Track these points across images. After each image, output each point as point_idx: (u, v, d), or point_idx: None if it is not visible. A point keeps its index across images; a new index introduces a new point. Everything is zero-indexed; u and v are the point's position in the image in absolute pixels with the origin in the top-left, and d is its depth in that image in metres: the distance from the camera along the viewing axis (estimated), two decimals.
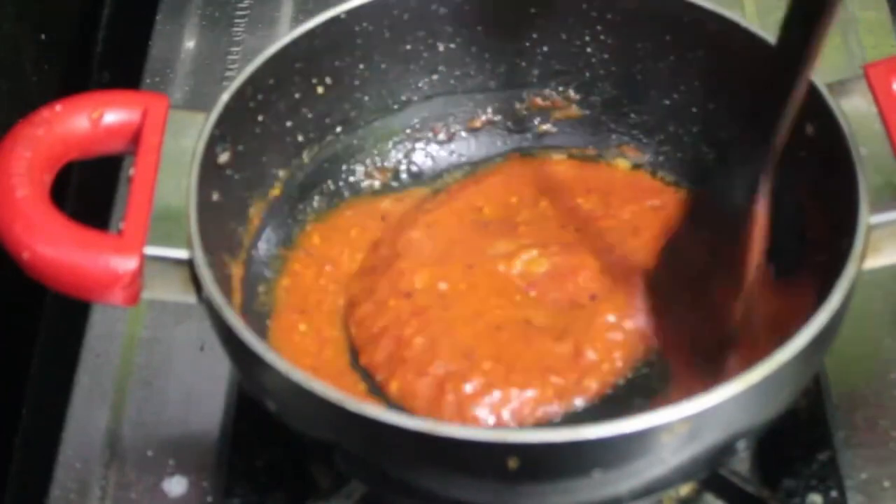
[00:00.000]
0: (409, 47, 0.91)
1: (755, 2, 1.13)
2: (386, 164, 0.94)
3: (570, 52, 0.92)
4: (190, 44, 1.14)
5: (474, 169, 0.94)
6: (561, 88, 0.93)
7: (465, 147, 0.95)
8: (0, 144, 0.76)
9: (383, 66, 0.91)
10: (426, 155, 0.95)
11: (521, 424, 0.79)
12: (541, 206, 0.91)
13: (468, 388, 0.80)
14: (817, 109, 0.79)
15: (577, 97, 0.93)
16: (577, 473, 0.69)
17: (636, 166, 0.93)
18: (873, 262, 0.75)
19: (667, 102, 0.91)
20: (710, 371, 0.80)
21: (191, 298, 0.76)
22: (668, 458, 0.70)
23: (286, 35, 0.85)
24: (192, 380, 0.91)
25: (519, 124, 0.95)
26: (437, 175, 0.95)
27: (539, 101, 0.94)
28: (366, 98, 0.91)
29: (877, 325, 0.91)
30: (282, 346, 0.83)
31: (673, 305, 0.83)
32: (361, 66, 0.90)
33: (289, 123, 0.87)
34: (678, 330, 0.83)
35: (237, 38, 1.14)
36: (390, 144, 0.94)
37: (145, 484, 0.85)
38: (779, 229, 0.84)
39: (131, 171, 0.77)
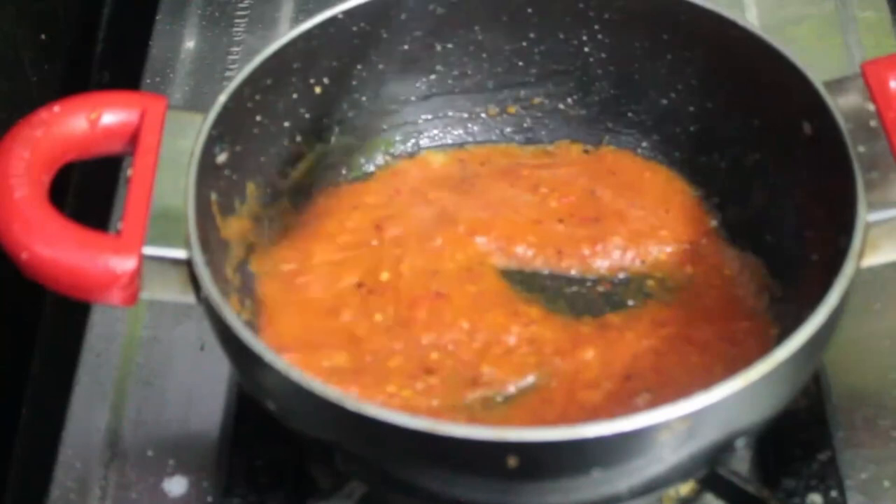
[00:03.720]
0: (406, 47, 0.91)
1: (755, 1, 1.13)
2: (383, 164, 0.94)
3: (567, 51, 0.92)
4: (190, 44, 1.14)
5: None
6: (559, 88, 0.93)
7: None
8: None
9: (381, 66, 0.91)
10: (424, 155, 0.95)
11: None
12: None
13: None
14: (815, 108, 0.79)
15: (575, 97, 0.94)
16: (577, 472, 0.69)
17: None
18: (872, 259, 0.75)
19: (664, 102, 0.91)
20: None
21: (189, 298, 0.76)
22: (667, 456, 0.70)
23: (285, 35, 0.86)
24: (192, 380, 0.91)
25: (517, 124, 0.95)
26: None
27: (537, 100, 0.94)
28: (363, 98, 0.91)
29: (877, 325, 0.90)
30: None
31: None
32: (359, 67, 0.90)
33: (287, 124, 0.87)
34: None
35: (237, 38, 1.14)
36: (388, 145, 0.94)
37: (145, 484, 0.85)
38: (777, 228, 0.85)
39: (129, 172, 0.77)
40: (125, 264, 0.73)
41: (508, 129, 0.95)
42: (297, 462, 0.85)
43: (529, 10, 0.90)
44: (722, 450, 0.73)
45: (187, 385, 0.90)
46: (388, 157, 0.94)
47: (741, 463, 0.84)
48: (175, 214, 0.75)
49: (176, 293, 0.76)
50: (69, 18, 1.20)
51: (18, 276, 0.74)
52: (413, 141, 0.94)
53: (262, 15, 1.16)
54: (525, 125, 0.95)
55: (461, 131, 0.95)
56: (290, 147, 0.88)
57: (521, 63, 0.93)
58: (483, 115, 0.95)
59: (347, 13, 0.87)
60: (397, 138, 0.94)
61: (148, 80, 1.11)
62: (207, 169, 0.79)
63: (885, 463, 0.84)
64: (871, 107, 0.77)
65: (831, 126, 0.77)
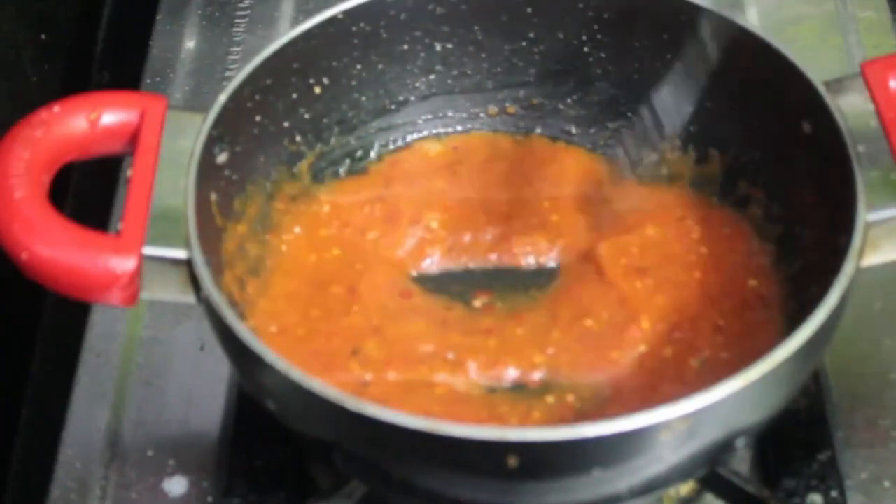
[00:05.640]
0: (406, 47, 0.91)
1: (755, 1, 1.13)
2: (383, 164, 0.94)
3: (567, 51, 0.92)
4: (190, 44, 1.14)
5: None
6: (559, 88, 0.93)
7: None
8: None
9: (380, 66, 0.91)
10: (423, 155, 0.95)
11: None
12: None
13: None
14: (815, 107, 0.79)
15: (575, 97, 0.94)
16: (577, 471, 0.69)
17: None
18: (871, 259, 0.75)
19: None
20: None
21: (189, 298, 0.76)
22: (667, 456, 0.70)
23: (285, 35, 0.86)
24: (192, 380, 0.91)
25: (516, 124, 0.95)
26: None
27: (536, 100, 0.94)
28: (363, 98, 0.91)
29: (877, 325, 0.90)
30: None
31: None
32: (359, 67, 0.90)
33: (286, 124, 0.87)
34: None
35: (237, 38, 1.14)
36: (388, 145, 0.94)
37: (145, 484, 0.85)
38: (777, 227, 0.85)
39: (129, 172, 0.77)
40: (125, 264, 0.73)
41: (508, 129, 0.95)
42: (297, 462, 0.85)
43: (529, 10, 0.90)
44: (722, 450, 0.73)
45: (187, 385, 0.90)
46: (385, 155, 0.94)
47: (741, 463, 0.84)
48: (175, 214, 0.75)
49: (176, 293, 0.76)
50: (69, 18, 1.20)
51: (18, 276, 0.74)
52: (412, 141, 0.94)
53: (262, 15, 1.16)
54: (524, 125, 0.95)
55: (460, 131, 0.95)
56: (290, 147, 0.88)
57: (520, 63, 0.93)
58: (483, 115, 0.95)
59: (347, 13, 0.87)
60: (397, 138, 0.94)
61: (148, 80, 1.11)
62: (207, 169, 0.79)
63: (885, 463, 0.84)
64: (871, 107, 0.77)
65: (831, 126, 0.77)
